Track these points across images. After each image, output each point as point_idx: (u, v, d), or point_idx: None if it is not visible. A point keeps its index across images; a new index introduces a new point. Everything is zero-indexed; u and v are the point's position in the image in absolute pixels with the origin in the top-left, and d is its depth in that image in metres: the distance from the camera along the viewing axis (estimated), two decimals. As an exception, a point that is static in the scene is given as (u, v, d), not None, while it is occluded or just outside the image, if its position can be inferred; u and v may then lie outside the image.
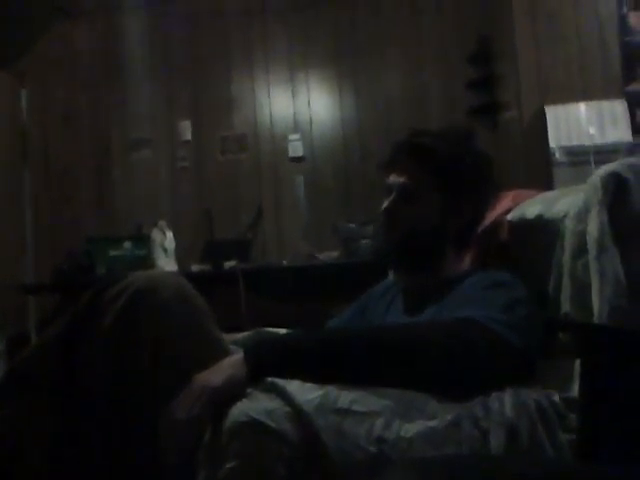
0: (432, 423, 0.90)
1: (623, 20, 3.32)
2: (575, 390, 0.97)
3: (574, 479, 0.67)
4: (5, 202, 3.67)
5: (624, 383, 0.85)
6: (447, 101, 3.94)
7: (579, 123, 3.21)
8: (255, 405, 0.90)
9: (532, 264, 1.28)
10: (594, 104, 3.23)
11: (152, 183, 4.09)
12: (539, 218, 1.27)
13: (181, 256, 3.53)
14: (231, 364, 0.98)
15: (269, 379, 0.93)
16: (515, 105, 3.44)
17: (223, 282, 3.25)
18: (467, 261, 1.39)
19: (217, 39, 4.11)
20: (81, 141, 4.12)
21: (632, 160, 1.09)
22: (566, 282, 1.12)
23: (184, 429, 0.92)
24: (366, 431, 0.89)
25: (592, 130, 3.19)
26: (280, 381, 0.93)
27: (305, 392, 0.91)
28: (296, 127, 4.09)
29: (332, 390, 0.92)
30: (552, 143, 3.18)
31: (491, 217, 1.41)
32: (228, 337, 1.25)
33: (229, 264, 3.40)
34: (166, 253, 3.41)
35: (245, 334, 1.41)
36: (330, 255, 3.52)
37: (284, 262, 3.57)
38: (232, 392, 0.93)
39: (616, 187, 1.04)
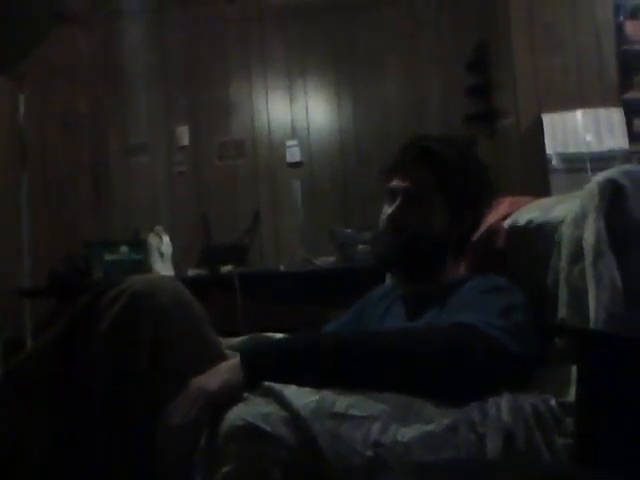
0: (429, 427, 0.91)
1: (620, 28, 3.34)
2: (572, 395, 0.97)
3: (570, 484, 0.67)
4: (2, 205, 3.67)
5: (620, 388, 0.85)
6: (445, 108, 3.95)
7: (576, 130, 3.22)
8: (251, 409, 0.90)
9: (529, 270, 1.28)
10: (591, 112, 3.24)
11: (149, 188, 4.09)
12: (536, 224, 1.28)
13: (178, 261, 3.52)
14: (228, 368, 0.98)
15: (266, 383, 0.93)
16: (512, 112, 3.45)
17: (220, 287, 3.24)
18: (463, 267, 1.40)
19: (215, 45, 4.12)
20: (79, 145, 4.11)
21: (629, 167, 1.10)
22: (562, 288, 1.12)
23: (181, 433, 0.92)
24: (363, 435, 0.89)
25: (589, 137, 3.20)
26: (277, 385, 0.93)
27: (302, 396, 0.91)
28: (294, 133, 4.09)
29: (329, 394, 0.92)
30: (549, 150, 3.19)
31: (488, 223, 1.41)
32: (225, 341, 1.25)
33: (226, 269, 3.40)
34: (163, 257, 3.40)
35: (241, 338, 1.41)
36: (327, 260, 3.52)
37: (281, 267, 3.56)
38: (229, 396, 0.93)
39: (613, 194, 1.04)
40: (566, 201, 1.23)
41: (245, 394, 0.93)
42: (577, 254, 1.09)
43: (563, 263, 1.13)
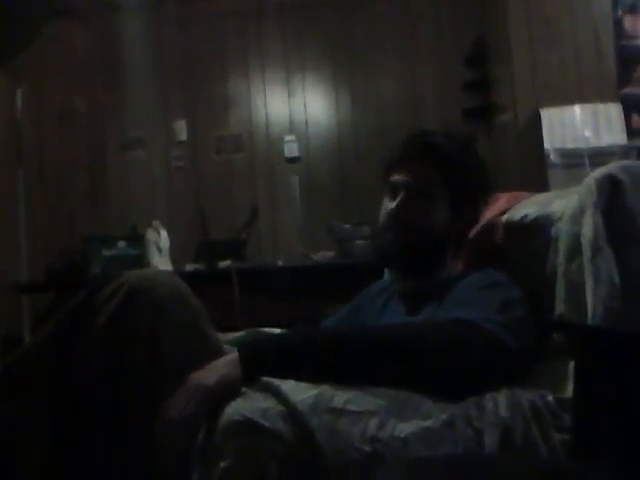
0: (426, 423, 0.91)
1: (618, 23, 3.34)
2: (569, 390, 0.97)
3: (567, 478, 0.67)
4: (-1, 200, 3.66)
5: (618, 384, 0.85)
6: (443, 103, 3.94)
7: (574, 126, 3.22)
8: (249, 404, 0.90)
9: (526, 265, 1.28)
10: (589, 107, 3.24)
11: (147, 183, 4.08)
12: (534, 220, 1.27)
13: (176, 255, 3.53)
14: (225, 363, 0.98)
15: (263, 378, 0.93)
16: (510, 107, 3.45)
17: (217, 282, 3.24)
18: (461, 262, 1.40)
19: (213, 39, 4.11)
20: (76, 140, 4.11)
21: (627, 162, 1.10)
22: (560, 284, 1.12)
23: (179, 428, 0.92)
24: (360, 431, 0.89)
25: (587, 133, 3.20)
26: (274, 380, 0.92)
27: (299, 391, 0.91)
28: (292, 128, 4.09)
29: (326, 390, 0.92)
30: (547, 145, 3.19)
31: (485, 219, 1.41)
32: (222, 337, 1.25)
33: (224, 264, 3.40)
34: (160, 252, 3.40)
35: (240, 333, 1.41)
36: (325, 255, 3.52)
37: (279, 262, 3.56)
38: (226, 391, 0.93)
39: (611, 189, 1.04)
40: (564, 196, 1.23)
41: (243, 389, 0.93)
42: (575, 249, 1.09)
43: (561, 258, 1.13)
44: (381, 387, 0.95)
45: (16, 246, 3.73)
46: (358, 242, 3.34)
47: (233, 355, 0.99)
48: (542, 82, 3.33)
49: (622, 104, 3.26)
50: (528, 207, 1.33)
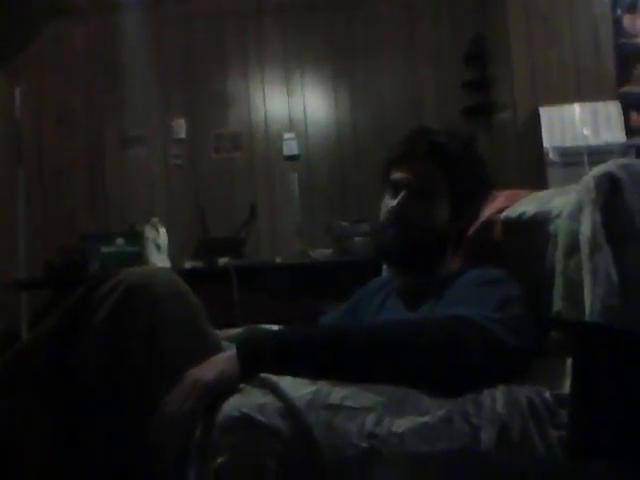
0: (424, 419, 0.91)
1: (617, 22, 3.34)
2: (566, 387, 0.97)
3: (564, 475, 0.67)
4: (-2, 198, 3.66)
5: (615, 380, 0.85)
6: (442, 101, 3.95)
7: (573, 124, 3.22)
8: (247, 400, 0.90)
9: (525, 263, 1.28)
10: (588, 105, 3.24)
11: (146, 180, 4.08)
12: (532, 217, 1.28)
13: (174, 253, 3.52)
14: (224, 360, 0.98)
15: (261, 375, 0.94)
16: (510, 106, 3.45)
17: (216, 279, 3.24)
18: (460, 259, 1.40)
19: (212, 38, 4.11)
20: (75, 139, 4.10)
21: (625, 161, 1.10)
22: (558, 281, 1.12)
23: (176, 424, 0.92)
24: (358, 427, 0.89)
25: (586, 131, 3.20)
26: (272, 377, 0.93)
27: (297, 388, 0.91)
28: (291, 126, 4.09)
29: (324, 386, 0.93)
30: (546, 143, 3.19)
31: (484, 217, 1.41)
32: (221, 333, 1.25)
33: (222, 261, 3.40)
34: (159, 250, 3.40)
35: (238, 330, 1.41)
36: (323, 253, 3.52)
37: (278, 259, 3.57)
38: (224, 387, 0.93)
39: (609, 187, 1.04)
40: (563, 194, 1.23)
41: (241, 385, 0.93)
42: (573, 247, 1.09)
43: (559, 256, 1.13)
44: (379, 383, 0.95)
45: (15, 243, 3.73)
46: (357, 239, 3.34)
47: (231, 352, 0.99)
48: (541, 81, 3.33)
49: (621, 102, 3.26)
50: (527, 205, 1.33)
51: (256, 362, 0.96)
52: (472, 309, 1.07)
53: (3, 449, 1.00)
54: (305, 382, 0.93)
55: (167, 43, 4.11)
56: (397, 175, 1.33)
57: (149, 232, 3.41)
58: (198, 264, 3.46)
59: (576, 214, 1.10)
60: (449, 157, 1.30)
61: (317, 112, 4.10)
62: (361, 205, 3.78)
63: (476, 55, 3.82)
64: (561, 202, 1.20)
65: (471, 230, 1.39)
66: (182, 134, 4.10)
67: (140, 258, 3.34)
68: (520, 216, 1.31)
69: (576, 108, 3.24)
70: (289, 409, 0.88)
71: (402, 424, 0.90)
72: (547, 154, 3.18)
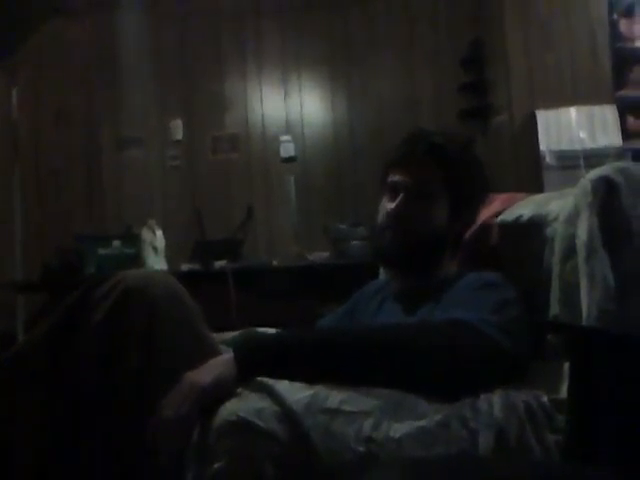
0: (421, 423, 0.91)
1: (614, 26, 3.35)
2: (563, 391, 0.97)
3: (561, 480, 0.67)
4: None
5: (612, 385, 0.85)
6: (439, 104, 3.95)
7: (569, 127, 3.23)
8: (244, 404, 0.90)
9: (521, 267, 1.28)
10: (585, 109, 3.25)
11: (143, 182, 4.07)
12: (529, 221, 1.28)
13: (171, 255, 3.52)
14: (221, 363, 0.98)
15: (258, 379, 0.93)
16: (506, 109, 3.45)
17: (213, 281, 3.24)
18: (457, 263, 1.40)
19: (210, 38, 4.11)
20: (72, 139, 4.09)
21: (622, 164, 1.10)
22: (555, 285, 1.13)
23: (173, 428, 0.92)
24: (355, 431, 0.89)
25: (582, 134, 3.21)
26: (269, 380, 0.93)
27: (294, 392, 0.91)
28: (288, 128, 4.09)
29: (321, 390, 0.92)
30: (542, 147, 3.20)
31: (481, 220, 1.41)
32: (218, 336, 1.25)
33: (219, 263, 3.40)
34: (156, 252, 3.40)
35: (235, 333, 1.40)
36: (320, 255, 3.52)
37: (274, 262, 3.56)
38: (221, 391, 0.93)
39: (606, 191, 1.05)
40: (559, 198, 1.23)
41: (238, 389, 0.93)
42: (570, 251, 1.09)
43: (556, 259, 1.14)
44: (376, 387, 0.95)
45: (11, 245, 3.72)
46: (354, 242, 3.34)
47: (228, 355, 0.99)
48: (538, 84, 3.34)
49: (617, 106, 3.27)
50: (523, 208, 1.33)
51: (253, 366, 0.96)
52: (469, 312, 1.07)
53: (2, 449, 1.00)
54: (302, 386, 0.92)
55: (164, 43, 4.11)
56: (395, 177, 1.33)
57: (146, 234, 3.41)
58: (195, 266, 3.46)
59: (573, 218, 1.10)
60: (447, 159, 1.30)
61: (314, 114, 4.10)
62: (358, 207, 3.78)
63: (473, 58, 3.82)
64: (558, 206, 1.20)
65: (468, 233, 1.40)
66: (179, 135, 4.10)
67: (137, 260, 3.33)
68: (517, 220, 1.31)
69: (573, 111, 3.25)
70: (286, 413, 0.88)
71: (400, 428, 0.89)
72: (544, 157, 3.19)
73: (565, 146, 3.20)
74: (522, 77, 3.36)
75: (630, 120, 3.29)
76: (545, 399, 0.98)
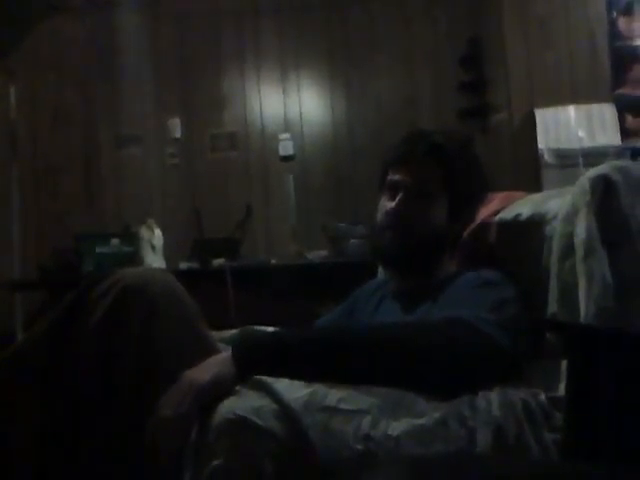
0: (419, 421, 0.91)
1: (613, 25, 3.35)
2: (562, 390, 0.97)
3: (559, 478, 0.67)
4: (-8, 198, 3.65)
5: (610, 383, 0.86)
6: (438, 102, 3.95)
7: (568, 126, 3.23)
8: (243, 403, 0.90)
9: (520, 265, 1.28)
10: (583, 107, 3.25)
11: (141, 180, 4.06)
12: (527, 220, 1.28)
13: (169, 254, 3.51)
14: (219, 361, 0.98)
15: (257, 377, 0.93)
16: (505, 108, 3.45)
17: (211, 280, 3.24)
18: (456, 262, 1.40)
19: (208, 37, 4.10)
20: (70, 138, 4.08)
21: (621, 163, 1.10)
22: (553, 283, 1.13)
23: (172, 426, 0.92)
24: (353, 429, 0.89)
25: (581, 133, 3.21)
26: (268, 379, 0.93)
27: (293, 390, 0.91)
28: (287, 126, 4.08)
29: (320, 388, 0.92)
30: (541, 145, 3.20)
31: (479, 219, 1.41)
32: (216, 335, 1.25)
33: (217, 262, 3.40)
34: (154, 250, 3.39)
35: (233, 332, 1.40)
36: (319, 254, 3.52)
37: (273, 261, 3.56)
38: (220, 389, 0.93)
39: (604, 189, 1.05)
40: (558, 196, 1.23)
41: (237, 387, 0.93)
42: (568, 249, 1.09)
43: (554, 258, 1.14)
44: (375, 385, 0.95)
45: (8, 243, 3.71)
46: (352, 241, 3.34)
47: (227, 353, 0.99)
48: (537, 83, 3.34)
49: (616, 105, 3.27)
50: (522, 207, 1.33)
51: (252, 364, 0.96)
52: (467, 311, 1.07)
53: (1, 449, 1.00)
54: (301, 384, 0.92)
55: (163, 42, 4.10)
56: (395, 177, 1.33)
57: (144, 232, 3.40)
58: (193, 265, 3.45)
59: (571, 216, 1.10)
60: (447, 159, 1.30)
61: (313, 113, 4.10)
62: (357, 206, 3.78)
63: (472, 56, 3.82)
64: (556, 204, 1.20)
65: (466, 232, 1.40)
66: (178, 133, 4.09)
67: (135, 259, 3.33)
68: (515, 217, 1.31)
69: (571, 110, 3.25)
70: (285, 411, 0.88)
71: (398, 427, 0.90)
72: (542, 156, 3.19)
73: (564, 145, 3.20)
74: (521, 76, 3.36)
75: (629, 119, 3.29)
76: (543, 397, 0.98)
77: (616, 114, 3.25)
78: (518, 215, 1.31)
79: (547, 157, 3.18)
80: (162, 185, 4.06)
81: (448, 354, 1.00)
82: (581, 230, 1.05)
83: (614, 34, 3.34)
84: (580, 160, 3.14)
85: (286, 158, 4.03)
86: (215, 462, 0.86)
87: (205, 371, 0.96)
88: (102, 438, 0.99)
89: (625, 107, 3.28)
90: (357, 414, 0.90)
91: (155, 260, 3.37)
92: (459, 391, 0.97)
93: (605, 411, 0.85)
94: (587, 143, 3.18)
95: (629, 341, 0.91)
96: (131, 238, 3.41)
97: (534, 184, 3.11)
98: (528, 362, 1.09)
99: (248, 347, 1.01)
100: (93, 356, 1.01)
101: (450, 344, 1.01)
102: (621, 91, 3.31)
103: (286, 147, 4.04)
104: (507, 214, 1.36)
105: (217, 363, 0.97)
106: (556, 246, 1.13)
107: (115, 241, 3.39)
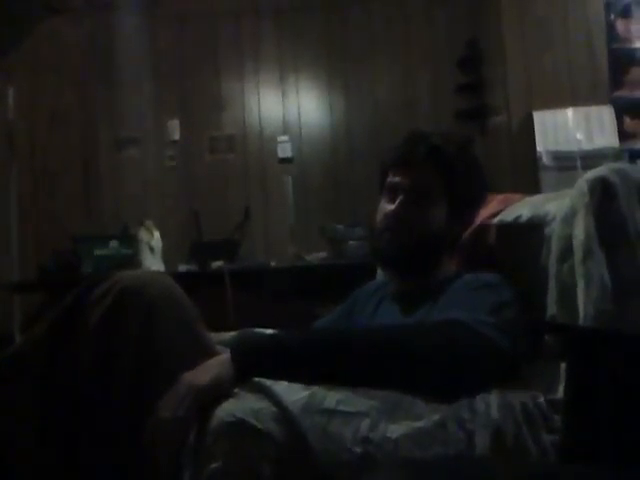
0: (418, 424, 0.91)
1: (611, 27, 3.36)
2: (560, 392, 0.98)
3: (558, 480, 0.67)
4: (-9, 199, 3.64)
5: (609, 385, 0.86)
6: (436, 104, 3.95)
7: (566, 128, 3.23)
8: (241, 405, 0.90)
9: (518, 267, 1.29)
10: (581, 110, 3.26)
11: (139, 182, 4.06)
12: (525, 222, 1.28)
13: (168, 256, 3.51)
14: (218, 364, 0.98)
15: (256, 379, 0.93)
16: (503, 110, 3.46)
17: (210, 282, 3.24)
18: (455, 264, 1.40)
19: (207, 39, 4.10)
20: (68, 139, 4.08)
21: (619, 165, 1.11)
22: (552, 285, 1.13)
23: (170, 428, 0.91)
24: (352, 432, 0.89)
25: (579, 135, 3.22)
26: (267, 381, 0.92)
27: (292, 392, 0.91)
28: (285, 128, 4.08)
29: (318, 391, 0.92)
30: (539, 147, 3.21)
31: (478, 221, 1.41)
32: (215, 337, 1.25)
33: (216, 264, 3.39)
34: (153, 253, 3.39)
35: (232, 334, 1.40)
36: (318, 256, 3.52)
37: (271, 263, 3.56)
38: (218, 392, 0.93)
39: (603, 191, 1.05)
40: (556, 199, 1.24)
41: (235, 390, 0.93)
42: (567, 251, 1.09)
43: (552, 260, 1.14)
44: (374, 388, 0.95)
45: (7, 245, 3.71)
46: (351, 243, 3.34)
47: (225, 355, 0.99)
48: (535, 85, 3.34)
49: (614, 107, 3.28)
50: (520, 209, 1.33)
51: (251, 366, 0.96)
52: (466, 313, 1.07)
53: (1, 449, 1.00)
54: (299, 387, 0.92)
55: (162, 43, 4.10)
56: (395, 179, 1.33)
57: (143, 234, 3.40)
58: (192, 267, 3.45)
59: (569, 218, 1.10)
60: (447, 161, 1.30)
61: (311, 115, 4.10)
62: (355, 208, 3.78)
63: (470, 58, 3.83)
64: (555, 206, 1.21)
65: (465, 234, 1.40)
66: (176, 136, 4.09)
67: (134, 261, 3.33)
68: (515, 219, 1.31)
69: (569, 112, 3.26)
70: (284, 414, 0.88)
71: (397, 429, 0.90)
72: (540, 158, 3.19)
73: (562, 147, 3.20)
74: (519, 78, 3.36)
75: (627, 121, 3.29)
76: (542, 399, 0.98)
77: (614, 116, 3.26)
78: (518, 217, 1.31)
79: (545, 159, 3.19)
80: (160, 187, 4.06)
81: (447, 356, 1.00)
82: (579, 232, 1.05)
83: (612, 36, 3.35)
84: (578, 162, 3.14)
85: (284, 160, 4.03)
86: (214, 465, 0.86)
87: (204, 373, 0.95)
88: (101, 439, 0.98)
89: (623, 109, 3.29)
90: (356, 417, 0.90)
91: (154, 262, 3.36)
92: (458, 393, 0.97)
93: (604, 413, 0.85)
94: (585, 145, 3.19)
95: (627, 343, 0.91)
96: (130, 240, 3.41)
97: (532, 186, 3.11)
98: (527, 364, 1.09)
99: (247, 349, 1.00)
100: (92, 357, 1.01)
101: (449, 346, 1.01)
102: (619, 93, 3.32)
103: (284, 149, 4.04)
104: (507, 216, 1.36)
105: (216, 365, 0.97)
106: (555, 248, 1.14)
107: (114, 243, 3.39)
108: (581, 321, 1.01)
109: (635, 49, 3.36)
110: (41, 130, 4.07)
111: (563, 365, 1.00)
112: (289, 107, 4.10)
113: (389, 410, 0.92)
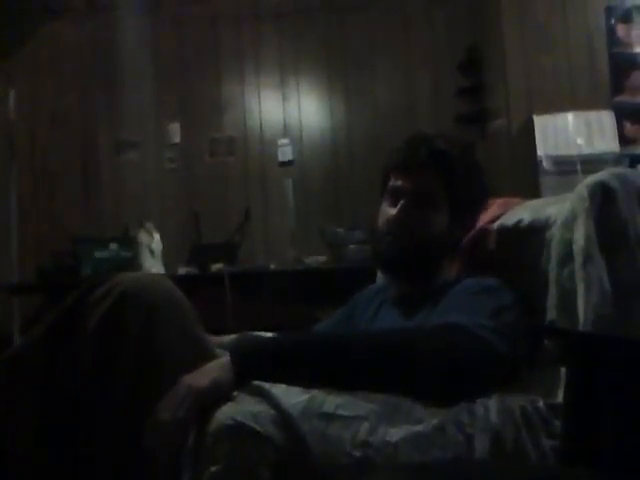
0: (417, 428, 0.91)
1: (611, 31, 3.36)
2: (560, 396, 0.97)
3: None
4: (-9, 201, 3.64)
5: (609, 389, 0.86)
6: (436, 108, 3.95)
7: (567, 133, 3.23)
8: (241, 408, 0.90)
9: (518, 272, 1.28)
10: (582, 114, 3.26)
11: (139, 184, 4.06)
12: (526, 226, 1.28)
13: (168, 258, 3.51)
14: (217, 367, 0.98)
15: (255, 382, 0.93)
16: (504, 114, 3.46)
17: (210, 285, 3.23)
18: (455, 268, 1.40)
19: (208, 42, 4.11)
20: (69, 141, 4.08)
21: (619, 169, 1.11)
22: (552, 290, 1.13)
23: (169, 431, 0.91)
24: (351, 435, 0.89)
25: (579, 140, 3.22)
26: (266, 384, 0.92)
27: (291, 396, 0.91)
28: (285, 132, 4.09)
29: (318, 394, 0.92)
30: (540, 152, 3.21)
31: (478, 225, 1.41)
32: (214, 340, 1.25)
33: (216, 267, 3.39)
34: (153, 255, 3.39)
35: (231, 337, 1.40)
36: (317, 259, 3.52)
37: (271, 266, 3.56)
38: (218, 395, 0.93)
39: (603, 196, 1.05)
40: (556, 203, 1.24)
41: (235, 393, 0.93)
42: (567, 256, 1.10)
43: (553, 265, 1.14)
44: (374, 391, 0.95)
45: (6, 247, 3.71)
46: (351, 246, 3.34)
47: (225, 358, 0.99)
48: (535, 89, 3.34)
49: (615, 112, 3.28)
50: (520, 213, 1.33)
51: (250, 369, 0.96)
52: (465, 317, 1.07)
53: (1, 450, 1.00)
54: (299, 390, 0.92)
55: (162, 46, 4.10)
56: (397, 182, 1.33)
57: (143, 237, 3.40)
58: (192, 270, 3.45)
59: (569, 223, 1.10)
60: (449, 165, 1.29)
61: (312, 118, 4.10)
62: (355, 211, 3.78)
63: (471, 62, 3.83)
64: (555, 211, 1.21)
65: (466, 238, 1.40)
66: (177, 138, 4.09)
67: (133, 263, 3.32)
68: (516, 223, 1.31)
69: (570, 117, 3.26)
70: (283, 417, 0.88)
71: (396, 433, 0.89)
72: (540, 162, 3.19)
73: (562, 151, 3.20)
74: (519, 82, 3.37)
75: (627, 126, 3.29)
76: (541, 404, 0.98)
77: (615, 121, 3.26)
78: (519, 221, 1.31)
79: (545, 164, 3.19)
80: (160, 189, 4.06)
81: (447, 360, 1.00)
82: (579, 236, 1.06)
83: (613, 41, 3.35)
84: (578, 167, 3.14)
85: (285, 163, 4.04)
86: (213, 468, 0.86)
87: (204, 376, 0.95)
88: (100, 440, 0.98)
89: (624, 114, 3.29)
90: (355, 420, 0.90)
91: (154, 265, 3.36)
92: (457, 397, 0.97)
93: (603, 418, 0.85)
94: (585, 150, 3.19)
95: (627, 348, 0.91)
96: (130, 243, 3.41)
97: (532, 190, 3.11)
98: (526, 368, 1.09)
99: (247, 352, 1.00)
100: (92, 359, 1.01)
101: (449, 350, 1.01)
102: (620, 98, 3.32)
103: (285, 152, 4.04)
104: (507, 220, 1.36)
105: (216, 368, 0.97)
106: (555, 252, 1.14)
107: (113, 245, 3.39)
108: (581, 326, 1.01)
109: (636, 54, 3.36)
110: (41, 132, 4.07)
111: (563, 370, 1.00)
112: (289, 110, 4.10)
113: (388, 414, 0.92)
